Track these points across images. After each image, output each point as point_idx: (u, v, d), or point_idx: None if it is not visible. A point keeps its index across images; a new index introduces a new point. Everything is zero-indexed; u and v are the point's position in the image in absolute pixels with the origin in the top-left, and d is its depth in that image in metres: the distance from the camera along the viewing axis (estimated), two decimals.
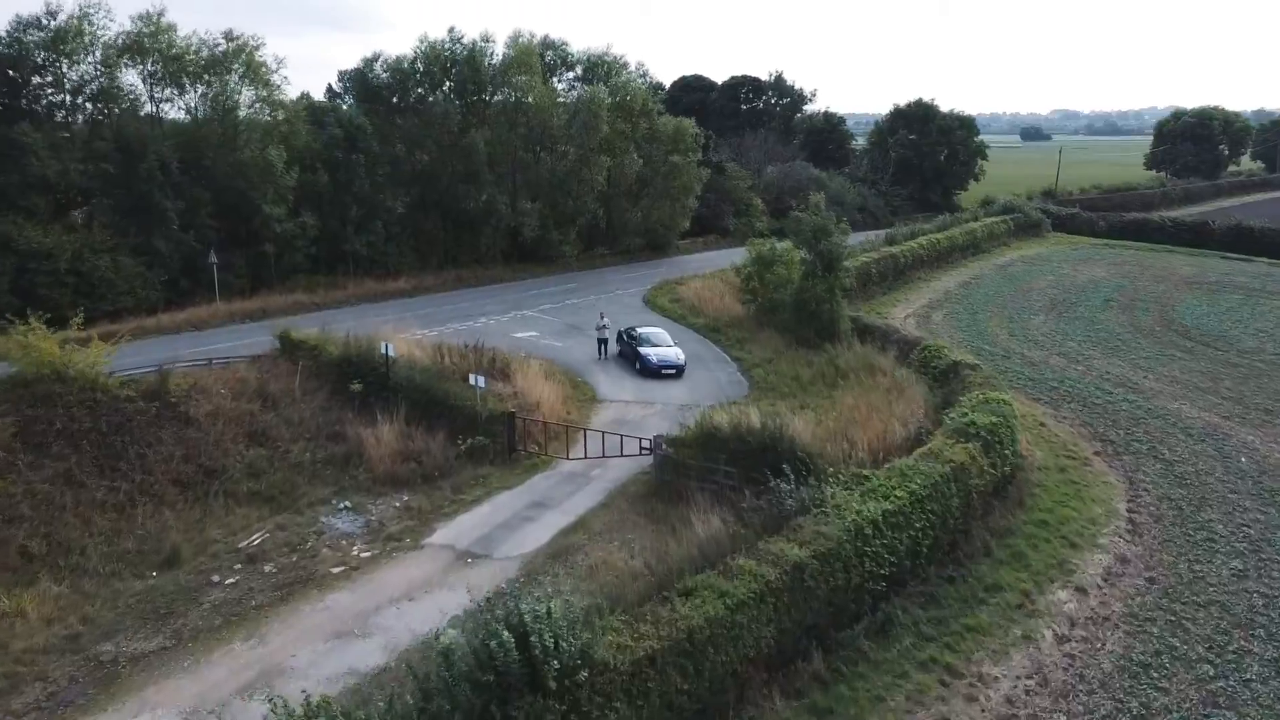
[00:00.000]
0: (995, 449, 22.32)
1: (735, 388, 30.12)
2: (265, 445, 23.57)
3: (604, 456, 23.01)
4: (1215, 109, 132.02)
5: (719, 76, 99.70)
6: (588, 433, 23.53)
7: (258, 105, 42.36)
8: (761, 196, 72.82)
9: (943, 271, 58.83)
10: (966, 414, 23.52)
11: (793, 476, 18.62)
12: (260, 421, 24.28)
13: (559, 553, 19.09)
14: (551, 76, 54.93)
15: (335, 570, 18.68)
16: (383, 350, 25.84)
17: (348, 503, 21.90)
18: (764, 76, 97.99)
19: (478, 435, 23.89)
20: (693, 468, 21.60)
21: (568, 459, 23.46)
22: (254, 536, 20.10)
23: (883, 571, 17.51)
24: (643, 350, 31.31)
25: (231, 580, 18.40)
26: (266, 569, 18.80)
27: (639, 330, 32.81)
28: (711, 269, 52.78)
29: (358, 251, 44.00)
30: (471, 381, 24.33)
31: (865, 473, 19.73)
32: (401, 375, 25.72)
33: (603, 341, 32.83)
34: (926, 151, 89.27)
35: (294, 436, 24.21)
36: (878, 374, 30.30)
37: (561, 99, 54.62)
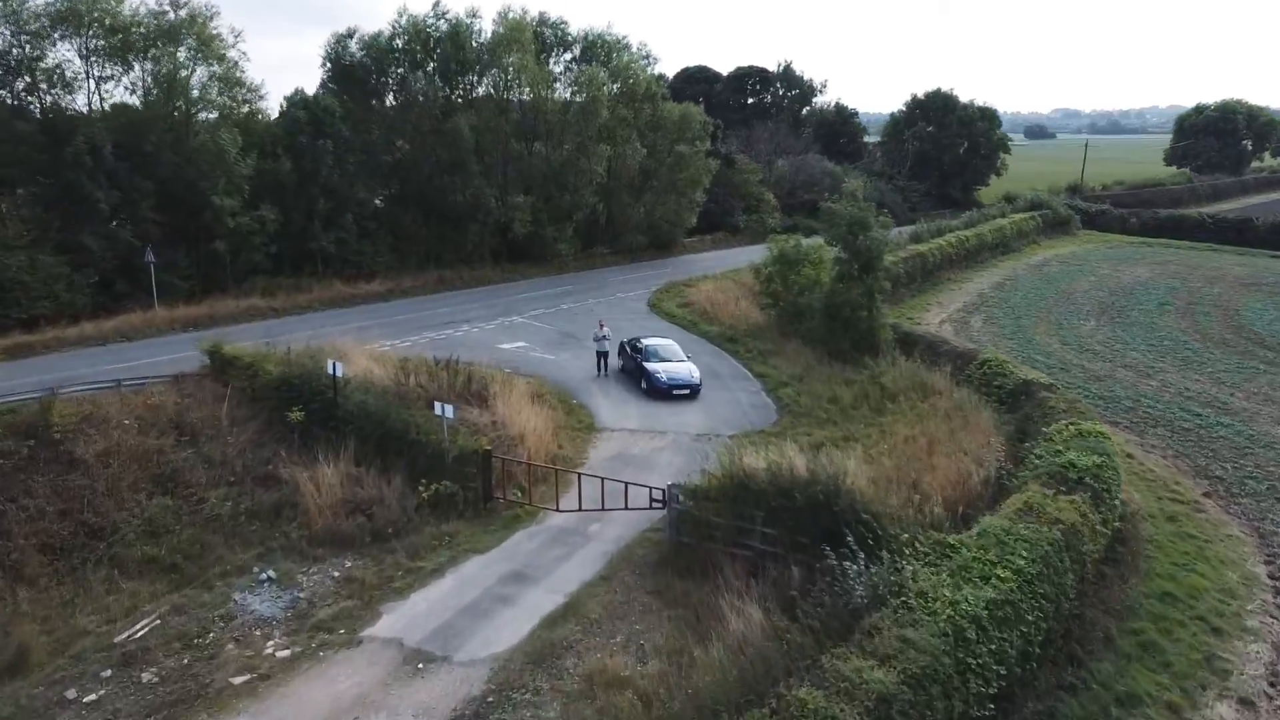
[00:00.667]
0: (1105, 500, 17.38)
1: (760, 412, 25.14)
2: (174, 493, 18.58)
3: (603, 509, 18.04)
4: (1238, 102, 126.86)
5: (723, 68, 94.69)
6: (583, 477, 18.50)
7: (211, 83, 37.33)
8: (772, 191, 67.89)
9: (973, 272, 54.21)
10: (1061, 452, 18.61)
11: (856, 547, 13.78)
12: (171, 462, 19.29)
13: (542, 654, 14.06)
14: (546, 57, 49.89)
15: (237, 680, 13.66)
16: (330, 370, 20.83)
17: (272, 571, 16.89)
18: (771, 68, 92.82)
19: (444, 480, 18.94)
20: (719, 527, 16.63)
21: (557, 510, 18.47)
22: (138, 626, 15.09)
23: (991, 690, 12.56)
24: (650, 366, 26.32)
25: (93, 696, 13.40)
26: (145, 677, 13.79)
27: (645, 341, 27.81)
28: (722, 269, 47.88)
29: (326, 250, 39.00)
30: (438, 411, 19.33)
31: (950, 540, 14.80)
32: (353, 402, 20.75)
33: (602, 355, 27.82)
34: (946, 144, 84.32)
35: (213, 481, 19.22)
36: (932, 395, 25.36)
37: (558, 83, 49.53)
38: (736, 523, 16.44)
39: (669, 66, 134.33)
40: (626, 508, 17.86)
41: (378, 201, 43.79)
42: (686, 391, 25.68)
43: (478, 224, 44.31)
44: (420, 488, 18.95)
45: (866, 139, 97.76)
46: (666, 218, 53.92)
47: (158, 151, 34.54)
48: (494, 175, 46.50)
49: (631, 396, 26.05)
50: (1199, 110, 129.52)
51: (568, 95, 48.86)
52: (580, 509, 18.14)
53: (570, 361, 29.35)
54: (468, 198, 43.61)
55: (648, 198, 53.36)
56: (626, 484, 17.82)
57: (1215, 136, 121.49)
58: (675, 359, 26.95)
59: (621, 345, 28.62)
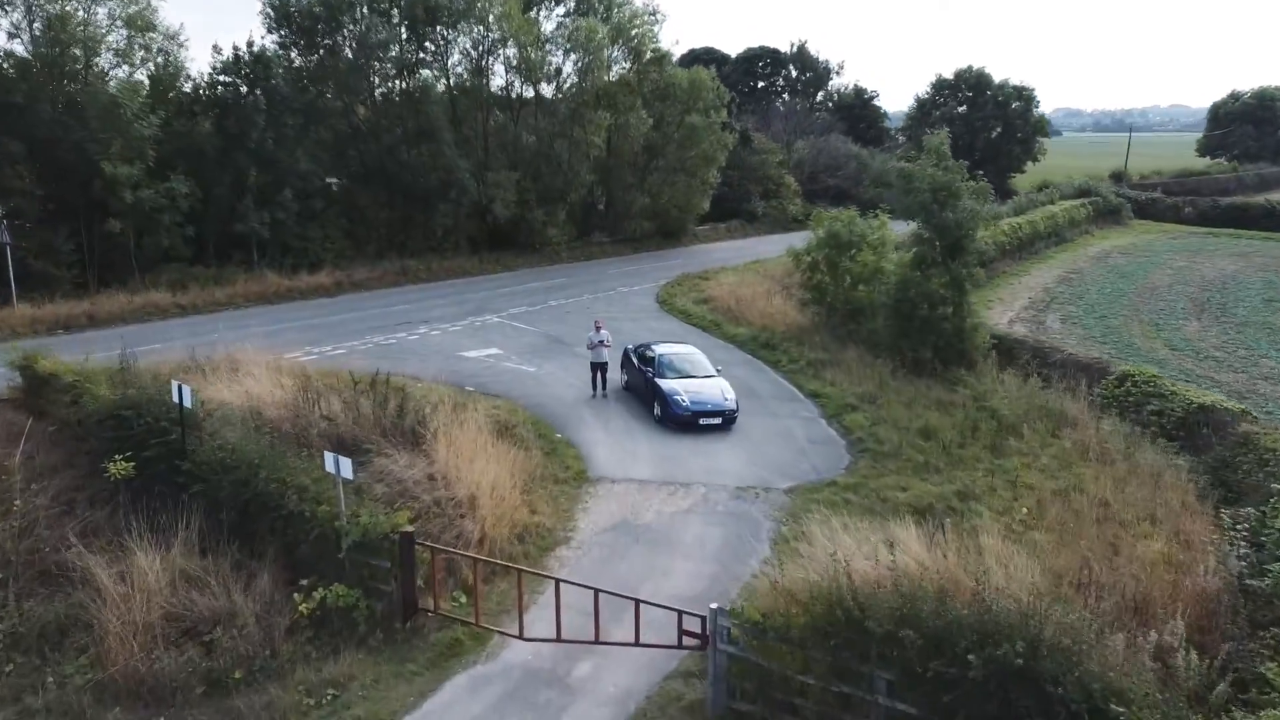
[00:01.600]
0: None
1: (825, 451, 17.63)
2: None
3: (596, 641, 10.53)
4: (1276, 89, 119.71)
5: (732, 50, 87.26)
6: (563, 585, 10.93)
7: (114, 26, 29.89)
8: (791, 175, 60.50)
9: (1029, 264, 47.37)
10: None
11: None
12: None
13: None
14: (535, 11, 42.30)
15: None
16: (176, 396, 13.30)
17: None
18: (784, 49, 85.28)
19: (337, 583, 11.51)
20: (807, 691, 9.21)
21: (521, 637, 10.93)
22: None
23: None
24: (666, 384, 18.77)
25: None
26: None
27: (659, 350, 20.26)
28: (741, 261, 40.43)
29: (258, 234, 31.49)
30: (329, 467, 11.84)
31: None
32: (207, 448, 13.24)
33: (599, 368, 20.28)
34: (979, 127, 76.90)
35: None
36: (1065, 426, 17.91)
37: (549, 44, 41.92)
38: (839, 687, 8.99)
39: (674, 47, 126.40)
40: (637, 641, 10.38)
41: (332, 181, 36.28)
42: (717, 420, 18.17)
43: (450, 205, 36.81)
44: (298, 595, 11.51)
45: (886, 124, 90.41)
46: (675, 202, 46.46)
47: (31, 104, 27.04)
48: (472, 148, 39.04)
49: (640, 427, 18.53)
50: (1234, 98, 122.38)
51: (559, 59, 41.36)
52: (559, 638, 10.64)
53: (556, 375, 21.88)
54: (439, 174, 36.15)
55: (653, 178, 45.91)
56: (638, 601, 10.31)
57: (1253, 124, 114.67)
58: (700, 373, 19.44)
59: (626, 354, 21.13)
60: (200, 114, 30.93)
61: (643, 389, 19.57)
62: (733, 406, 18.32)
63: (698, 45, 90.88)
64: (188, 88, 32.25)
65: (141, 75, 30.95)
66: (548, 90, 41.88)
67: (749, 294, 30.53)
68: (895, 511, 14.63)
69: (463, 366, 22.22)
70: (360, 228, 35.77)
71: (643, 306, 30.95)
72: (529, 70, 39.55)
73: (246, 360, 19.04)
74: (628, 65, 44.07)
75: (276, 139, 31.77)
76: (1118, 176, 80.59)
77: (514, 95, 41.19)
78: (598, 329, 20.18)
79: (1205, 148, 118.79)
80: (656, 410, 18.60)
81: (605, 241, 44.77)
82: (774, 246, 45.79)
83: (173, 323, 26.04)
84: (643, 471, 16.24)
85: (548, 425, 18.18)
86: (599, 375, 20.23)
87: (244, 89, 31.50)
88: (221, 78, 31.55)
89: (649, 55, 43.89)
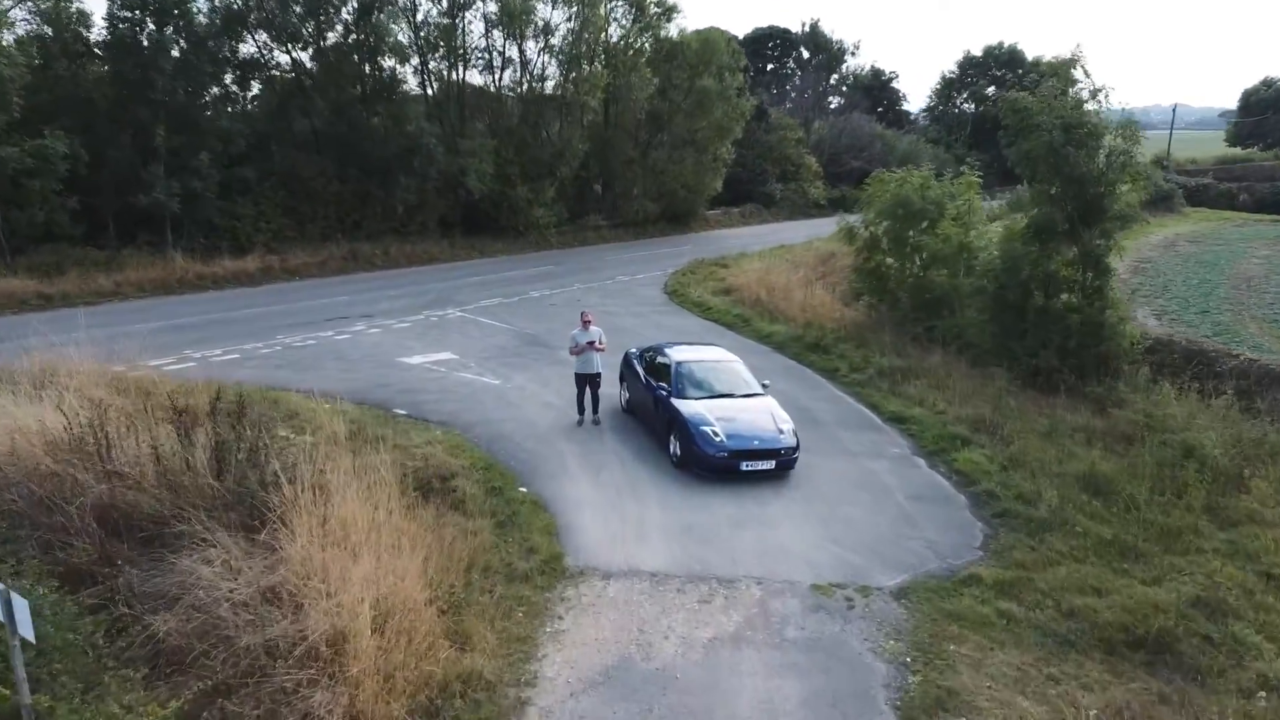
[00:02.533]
0: None
1: (938, 513, 11.19)
2: None
3: None
4: None
5: (739, 30, 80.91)
6: None
7: None
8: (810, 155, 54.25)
9: None
10: None
11: None
12: None
13: None
14: None
15: None
16: None
17: None
18: (795, 28, 78.95)
19: None
20: None
21: None
22: None
23: None
24: (689, 408, 12.29)
25: None
26: None
27: (676, 354, 13.67)
28: (763, 247, 34.13)
29: (166, 208, 25.12)
30: None
31: None
32: None
33: (588, 381, 13.78)
34: None
35: None
36: None
37: None
38: None
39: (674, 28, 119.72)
40: None
41: (251, 139, 29.91)
42: (768, 465, 11.75)
43: (415, 178, 30.45)
44: None
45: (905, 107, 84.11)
46: (684, 181, 40.15)
47: None
48: (443, 110, 32.75)
49: (648, 474, 12.10)
50: (1267, 85, 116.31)
51: (547, 11, 35.02)
52: None
53: (528, 392, 15.50)
54: (401, 139, 29.82)
55: (658, 154, 39.63)
56: None
57: None
58: (739, 390, 13.01)
59: (627, 361, 14.69)
60: (88, 56, 24.59)
61: (652, 414, 13.18)
62: (791, 442, 11.93)
63: (702, 25, 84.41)
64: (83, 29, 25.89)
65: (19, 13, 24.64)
66: (533, 48, 35.58)
67: (782, 283, 24.21)
68: (1098, 642, 8.33)
69: (398, 379, 15.86)
70: (304, 204, 29.40)
71: (647, 299, 24.64)
72: (510, 21, 33.18)
73: (71, 370, 12.80)
74: (628, 25, 37.73)
75: (192, 90, 25.44)
76: (1161, 162, 74.30)
77: (494, 51, 34.88)
78: (585, 325, 13.76)
79: (1236, 136, 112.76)
80: (674, 448, 12.22)
81: (602, 225, 38.44)
82: (797, 233, 39.54)
83: (29, 317, 19.69)
84: (655, 555, 9.85)
85: (507, 472, 11.79)
86: (588, 392, 13.83)
87: (151, 26, 25.15)
88: (122, 13, 25.22)
89: (653, 6, 37.50)
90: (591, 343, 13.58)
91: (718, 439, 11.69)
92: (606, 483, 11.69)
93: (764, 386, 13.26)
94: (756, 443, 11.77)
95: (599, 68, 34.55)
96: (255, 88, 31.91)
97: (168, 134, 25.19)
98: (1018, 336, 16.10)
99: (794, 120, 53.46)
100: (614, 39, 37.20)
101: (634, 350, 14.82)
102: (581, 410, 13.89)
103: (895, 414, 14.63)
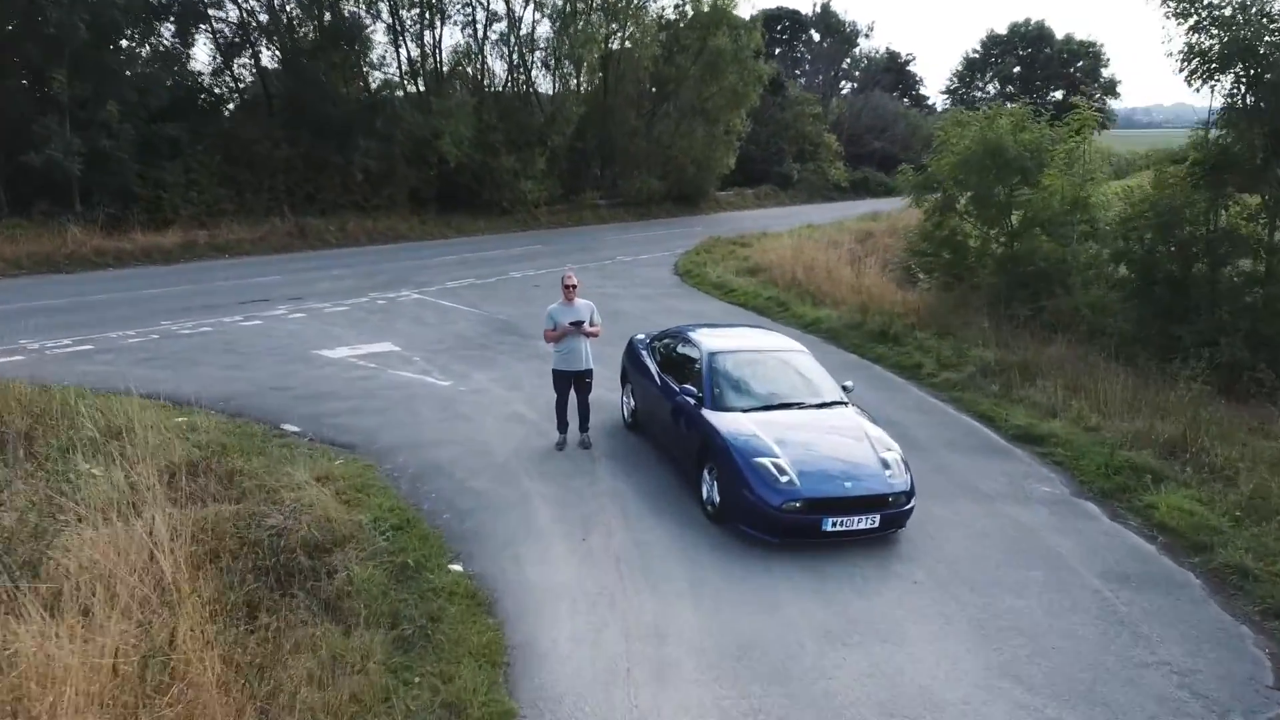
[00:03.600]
0: None
1: (1160, 608, 6.52)
2: None
3: None
4: None
5: (744, 11, 76.20)
6: None
7: None
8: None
9: None
10: None
11: None
12: None
13: None
14: None
15: None
16: None
17: None
18: (805, 9, 74.29)
19: None
20: None
21: None
22: None
23: None
24: (731, 426, 7.58)
25: None
26: None
27: (706, 340, 8.81)
28: (786, 228, 29.43)
29: (66, 168, 20.47)
30: None
31: None
32: None
33: (574, 381, 9.06)
34: (1038, 90, 65.82)
35: None
36: None
37: None
38: None
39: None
40: None
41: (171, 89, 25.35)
42: (869, 522, 7.08)
43: (377, 141, 25.80)
44: None
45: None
46: (693, 155, 35.51)
47: None
48: (413, 64, 28.14)
49: (666, 536, 7.41)
50: None
51: None
52: None
53: (487, 399, 10.78)
54: (362, 94, 25.21)
55: (663, 125, 35.03)
56: None
57: None
58: (806, 398, 8.29)
59: (633, 352, 9.93)
60: None
61: (673, 433, 8.48)
62: (903, 483, 7.23)
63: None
64: None
65: None
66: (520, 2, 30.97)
67: (821, 260, 19.56)
68: None
69: (304, 379, 11.19)
70: (244, 172, 24.73)
71: (654, 280, 20.00)
72: None
73: None
74: None
75: (96, 24, 20.77)
76: None
77: (477, 4, 30.24)
78: (568, 295, 9.04)
79: None
80: (710, 490, 7.54)
81: (601, 205, 33.78)
82: (819, 215, 34.95)
83: None
84: (688, 713, 5.20)
85: (433, 535, 7.10)
86: (572, 397, 9.11)
87: None
88: None
89: None
90: (579, 323, 8.90)
91: (783, 479, 7.01)
92: (598, 554, 6.99)
93: (845, 390, 8.57)
94: (849, 485, 7.08)
95: (597, 19, 29.91)
96: (201, 42, 27.43)
97: (69, 80, 20.53)
98: (1178, 318, 11.43)
99: (812, 95, 48.80)
100: None
101: (642, 337, 10.11)
102: (563, 426, 9.20)
103: (1024, 430, 9.94)
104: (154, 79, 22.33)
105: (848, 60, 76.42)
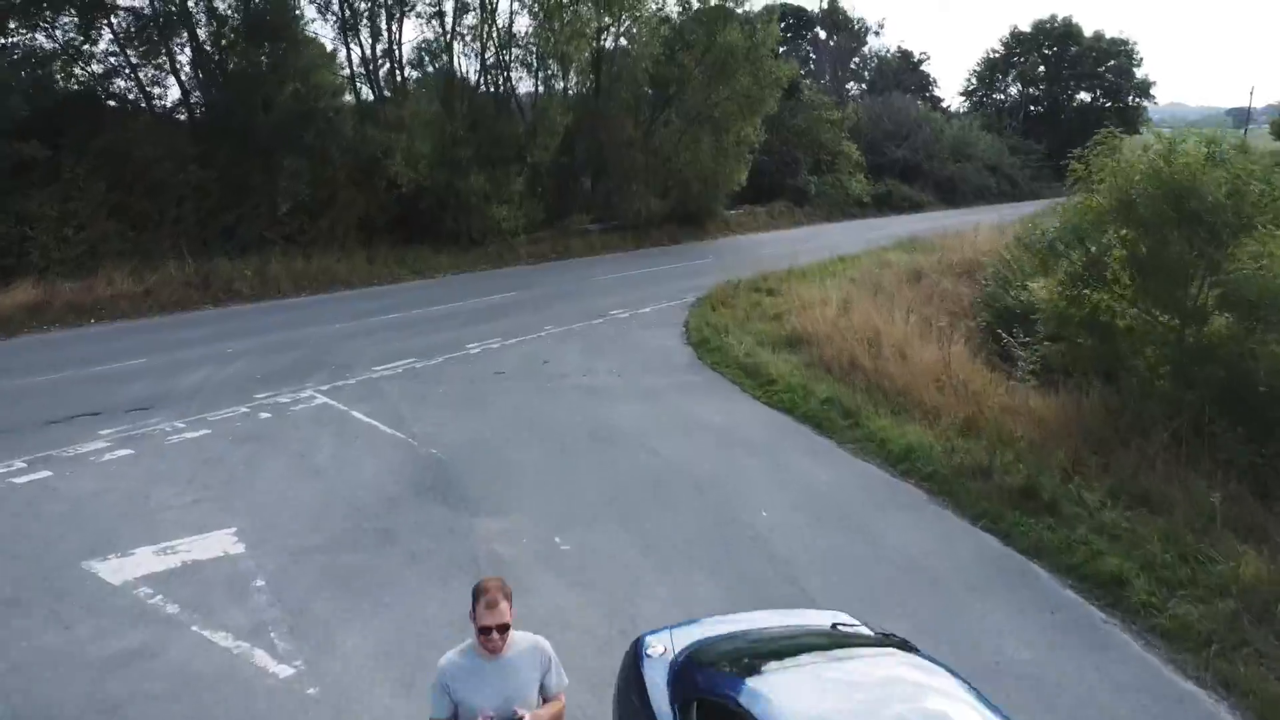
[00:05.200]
0: None
1: None
2: None
3: None
4: None
5: (747, 9, 71.19)
6: None
7: None
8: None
9: None
10: None
11: None
12: None
13: None
14: None
15: None
16: None
17: None
18: (810, 6, 69.44)
19: None
20: None
21: None
22: None
23: None
24: None
25: None
26: None
27: (781, 700, 3.47)
28: (811, 259, 24.33)
29: None
30: None
31: None
32: None
33: None
34: (1066, 92, 61.00)
35: None
36: None
37: None
38: None
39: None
40: None
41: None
42: None
43: (306, 159, 20.68)
44: None
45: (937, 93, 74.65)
46: (699, 169, 30.43)
47: None
48: (369, 66, 23.04)
49: None
50: None
51: None
52: None
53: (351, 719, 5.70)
54: (291, 101, 20.08)
55: (665, 134, 29.96)
56: None
57: None
58: None
59: (637, 682, 4.45)
60: None
61: None
62: None
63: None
64: None
65: None
66: None
67: (884, 327, 14.50)
68: None
69: None
70: (142, 200, 19.59)
71: (659, 354, 14.88)
72: None
73: None
74: None
75: None
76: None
77: None
78: (489, 639, 3.59)
79: None
80: None
81: (592, 230, 28.64)
82: (845, 239, 29.98)
83: None
84: None
85: None
86: None
87: None
88: None
89: None
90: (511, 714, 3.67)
91: None
92: None
93: None
94: None
95: (587, 10, 24.80)
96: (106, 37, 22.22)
97: None
98: None
99: (829, 98, 43.79)
100: None
101: (650, 651, 4.68)
102: None
103: None
104: (27, 93, 17.15)
105: (856, 59, 71.54)
